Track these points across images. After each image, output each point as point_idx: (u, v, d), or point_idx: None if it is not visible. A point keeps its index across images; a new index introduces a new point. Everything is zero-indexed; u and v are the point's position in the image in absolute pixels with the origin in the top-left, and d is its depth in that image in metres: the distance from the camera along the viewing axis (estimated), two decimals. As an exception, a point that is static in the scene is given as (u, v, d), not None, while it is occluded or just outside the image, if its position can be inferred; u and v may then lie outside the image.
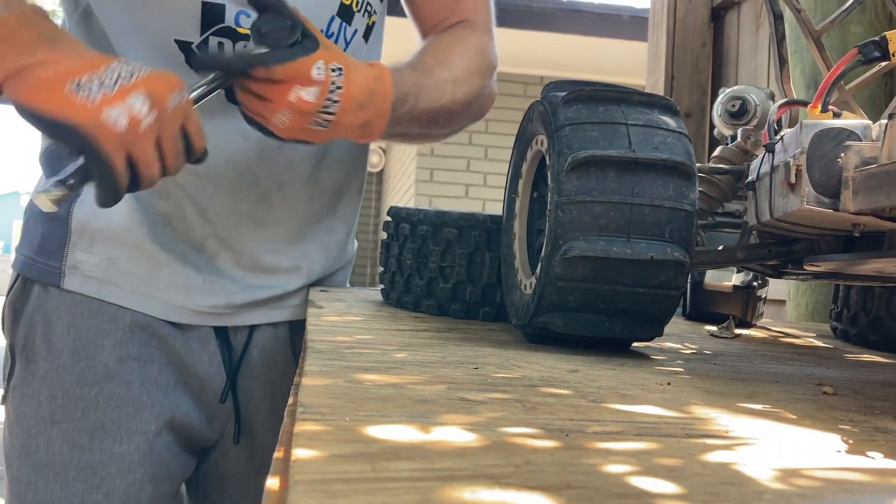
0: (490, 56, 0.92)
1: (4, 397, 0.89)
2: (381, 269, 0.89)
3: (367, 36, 0.90)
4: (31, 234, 0.89)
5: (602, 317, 0.61)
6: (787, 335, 0.97)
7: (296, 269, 0.92)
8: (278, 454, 0.32)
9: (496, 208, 0.72)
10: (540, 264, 0.63)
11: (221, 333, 0.91)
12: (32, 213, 0.90)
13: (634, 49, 4.38)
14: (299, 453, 0.28)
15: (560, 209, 0.60)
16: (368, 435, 0.32)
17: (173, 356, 0.89)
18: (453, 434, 0.33)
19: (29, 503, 0.84)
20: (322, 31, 0.80)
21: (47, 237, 0.87)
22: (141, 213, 0.85)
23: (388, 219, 0.88)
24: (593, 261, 0.59)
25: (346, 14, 0.86)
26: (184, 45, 0.80)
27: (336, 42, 0.85)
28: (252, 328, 0.93)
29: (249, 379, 0.93)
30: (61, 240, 0.86)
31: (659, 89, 2.38)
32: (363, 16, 0.88)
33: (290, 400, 0.40)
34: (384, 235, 0.90)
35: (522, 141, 0.76)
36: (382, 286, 0.90)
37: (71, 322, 0.86)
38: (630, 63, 4.59)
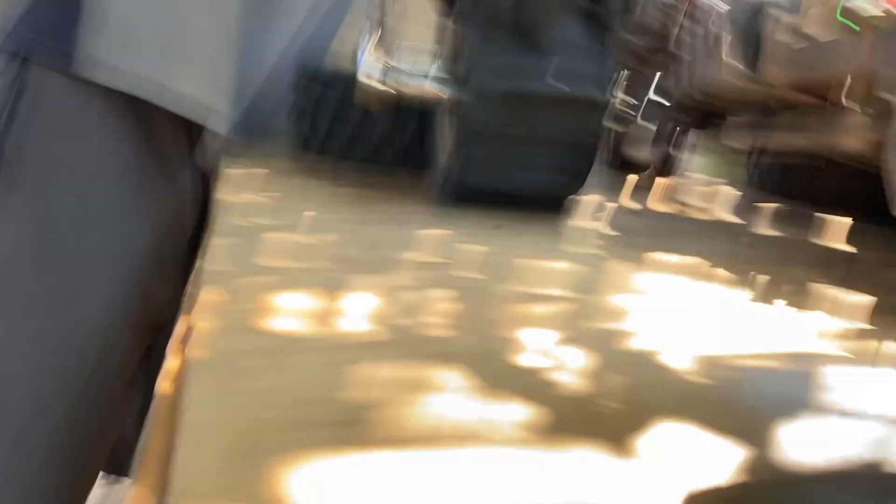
0: None
1: None
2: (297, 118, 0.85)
3: None
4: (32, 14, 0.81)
5: (520, 170, 0.60)
6: (701, 183, 0.98)
7: None
8: (181, 328, 0.31)
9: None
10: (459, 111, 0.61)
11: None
12: None
13: None
14: (202, 326, 0.27)
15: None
16: (278, 303, 0.31)
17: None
18: (371, 300, 0.32)
19: None
20: None
21: (54, 19, 0.79)
22: None
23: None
24: (510, 100, 0.57)
25: None
26: None
27: None
28: None
29: None
30: (72, 21, 0.78)
31: None
32: None
33: (196, 263, 0.38)
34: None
35: None
36: (300, 134, 0.86)
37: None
38: None
